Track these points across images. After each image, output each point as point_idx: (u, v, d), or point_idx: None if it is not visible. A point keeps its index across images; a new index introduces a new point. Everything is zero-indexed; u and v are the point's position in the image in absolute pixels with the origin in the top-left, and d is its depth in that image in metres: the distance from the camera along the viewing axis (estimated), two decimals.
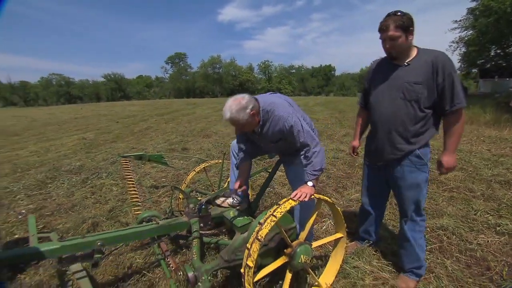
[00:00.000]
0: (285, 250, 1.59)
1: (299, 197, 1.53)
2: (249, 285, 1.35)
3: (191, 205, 2.13)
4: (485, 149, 5.13)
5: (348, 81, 73.65)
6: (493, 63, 19.48)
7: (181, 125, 10.40)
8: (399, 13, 1.55)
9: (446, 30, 22.09)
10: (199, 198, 2.25)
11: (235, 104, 1.66)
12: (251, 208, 2.23)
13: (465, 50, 20.59)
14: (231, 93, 65.31)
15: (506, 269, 1.92)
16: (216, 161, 2.78)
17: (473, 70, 22.86)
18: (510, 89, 16.04)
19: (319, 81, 72.95)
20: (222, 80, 66.66)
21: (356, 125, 2.18)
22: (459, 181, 3.52)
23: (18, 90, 65.78)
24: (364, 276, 1.84)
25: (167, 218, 2.12)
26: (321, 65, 76.68)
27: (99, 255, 1.67)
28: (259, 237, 1.36)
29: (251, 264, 1.34)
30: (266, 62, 72.93)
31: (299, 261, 1.54)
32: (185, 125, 10.50)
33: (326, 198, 1.63)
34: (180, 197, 2.50)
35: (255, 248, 1.35)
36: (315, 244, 1.70)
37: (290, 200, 1.50)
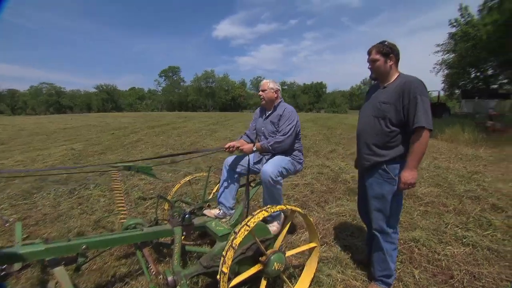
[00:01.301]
0: (260, 258, 1.70)
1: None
2: None
3: (175, 214, 2.23)
4: (462, 166, 5.41)
5: (338, 98, 75.29)
6: (473, 85, 20.55)
7: (172, 138, 10.46)
8: (384, 42, 1.88)
9: (430, 53, 23.24)
10: (183, 208, 2.35)
11: (271, 79, 2.54)
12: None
13: (447, 72, 21.77)
14: (223, 107, 66.45)
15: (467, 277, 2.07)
16: (201, 174, 2.90)
17: (456, 91, 23.94)
18: (490, 110, 16.83)
19: (311, 98, 74.32)
20: (215, 95, 67.31)
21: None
22: (434, 196, 3.72)
23: (5, 98, 64.63)
24: (336, 284, 1.96)
25: (151, 226, 2.20)
26: (312, 82, 78.15)
27: (82, 259, 1.73)
28: (234, 245, 1.48)
29: (225, 270, 1.45)
30: (259, 78, 74.23)
31: (273, 269, 1.65)
32: (176, 138, 10.57)
33: (298, 209, 1.77)
34: (166, 207, 2.59)
35: (229, 256, 1.46)
36: (289, 252, 1.82)
37: (263, 211, 1.63)
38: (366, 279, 2.07)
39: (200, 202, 2.49)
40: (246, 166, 2.47)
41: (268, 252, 1.70)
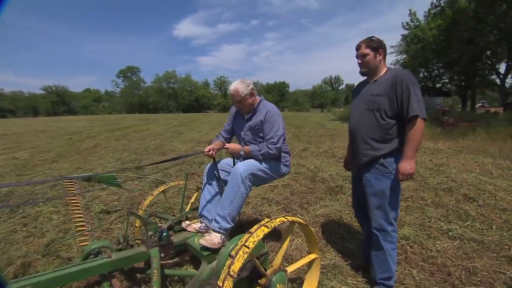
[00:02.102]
0: (259, 281, 1.45)
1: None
2: None
3: (150, 233, 1.88)
4: (427, 159, 5.70)
5: (301, 97, 77.66)
6: (423, 83, 22.44)
7: (134, 142, 9.69)
8: (372, 38, 1.85)
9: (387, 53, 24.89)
10: (159, 224, 2.00)
11: (240, 80, 2.11)
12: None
13: None
14: (186, 108, 64.34)
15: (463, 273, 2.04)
16: (177, 182, 2.55)
17: None
18: (437, 106, 18.45)
19: (274, 97, 75.30)
20: (177, 95, 65.06)
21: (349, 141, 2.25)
22: (412, 191, 3.79)
23: None
24: None
25: (121, 249, 1.83)
26: (275, 81, 79.67)
27: None
28: (232, 273, 1.21)
29: None
30: (222, 78, 73.33)
31: None
32: (138, 142, 9.81)
33: (300, 219, 1.55)
34: (137, 224, 2.21)
35: (228, 286, 1.19)
36: (290, 268, 1.59)
37: (263, 227, 1.37)
38: (368, 287, 1.92)
39: (178, 216, 2.15)
40: (229, 172, 2.19)
41: (268, 272, 1.45)
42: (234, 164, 2.11)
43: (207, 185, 2.17)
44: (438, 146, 7.10)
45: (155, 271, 1.61)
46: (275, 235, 2.56)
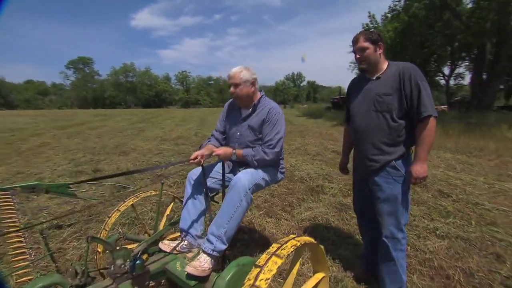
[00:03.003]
0: None
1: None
2: None
3: (119, 261, 1.48)
4: None
5: (264, 93, 78.23)
6: None
7: (90, 141, 8.70)
8: (369, 30, 1.71)
9: (346, 52, 26.04)
10: (129, 248, 1.61)
11: (244, 66, 1.85)
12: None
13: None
14: (146, 103, 60.83)
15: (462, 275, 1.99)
16: (150, 192, 2.12)
17: None
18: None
19: None
20: (136, 90, 61.22)
21: (343, 142, 2.09)
22: None
23: None
24: None
25: (78, 286, 1.42)
26: None
27: None
28: None
29: None
30: (184, 73, 70.65)
31: None
32: (95, 140, 8.84)
33: (312, 240, 1.30)
34: (99, 249, 1.77)
35: None
36: None
37: (274, 257, 1.08)
38: None
39: (153, 235, 1.76)
40: (217, 179, 1.87)
41: None
42: (223, 170, 1.78)
43: (191, 195, 1.82)
44: None
45: None
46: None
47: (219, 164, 1.90)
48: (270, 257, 1.08)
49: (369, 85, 1.70)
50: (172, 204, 2.19)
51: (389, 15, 20.56)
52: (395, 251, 1.66)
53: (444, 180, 4.13)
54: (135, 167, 5.30)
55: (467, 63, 21.08)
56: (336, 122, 12.73)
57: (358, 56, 1.68)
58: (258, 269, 1.03)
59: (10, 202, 2.35)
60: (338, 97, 22.20)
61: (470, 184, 4.02)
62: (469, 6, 14.99)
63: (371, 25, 20.67)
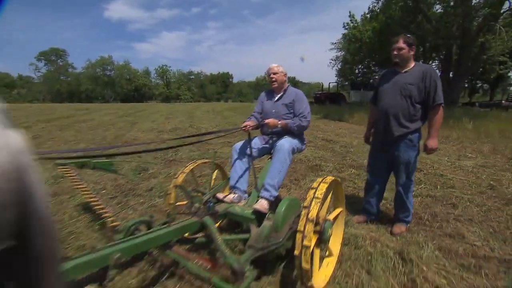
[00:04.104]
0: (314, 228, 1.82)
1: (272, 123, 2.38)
2: (307, 263, 1.52)
3: (196, 204, 2.07)
4: (361, 142, 6.71)
5: (245, 88, 77.47)
6: (359, 78, 25.42)
7: (85, 133, 8.85)
8: (407, 35, 2.35)
9: (326, 49, 27.07)
10: (201, 198, 2.19)
11: (278, 63, 2.56)
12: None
13: (340, 67, 26.17)
14: (125, 98, 58.92)
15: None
16: (203, 161, 2.72)
17: (346, 83, 28.91)
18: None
19: (218, 88, 73.72)
20: (115, 84, 59.22)
21: (369, 118, 2.77)
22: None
23: None
24: (366, 239, 2.32)
25: (165, 223, 1.97)
26: (219, 72, 78.09)
27: (114, 271, 1.46)
28: (311, 218, 1.56)
29: (308, 243, 1.52)
30: (164, 67, 69.08)
31: (328, 235, 1.81)
32: (90, 132, 8.99)
33: (338, 179, 1.97)
34: (170, 201, 2.34)
35: (309, 229, 1.54)
36: (330, 217, 2.00)
37: (322, 183, 1.75)
38: (387, 234, 2.49)
39: (214, 189, 2.37)
40: (257, 148, 2.49)
41: (320, 221, 1.84)
42: (269, 139, 2.44)
43: (237, 160, 2.43)
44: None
45: (216, 235, 1.81)
46: None
47: (256, 138, 2.53)
48: (320, 183, 1.74)
49: (399, 77, 2.37)
50: (216, 171, 2.79)
51: (368, 15, 21.89)
52: (406, 193, 2.44)
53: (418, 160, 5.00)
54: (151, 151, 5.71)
55: (437, 63, 22.94)
56: (320, 116, 13.55)
57: (395, 52, 2.32)
58: (314, 189, 1.68)
59: (71, 172, 2.84)
60: (320, 92, 23.26)
61: (437, 162, 4.92)
62: (439, 11, 16.41)
63: (351, 24, 21.86)
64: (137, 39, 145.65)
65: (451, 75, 16.27)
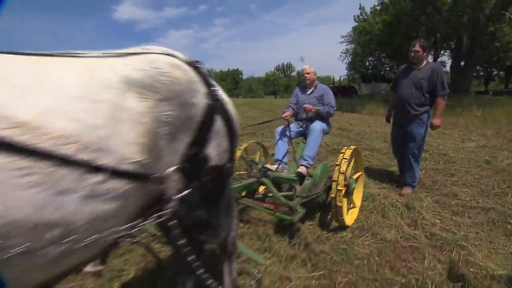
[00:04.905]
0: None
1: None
2: (340, 202, 2.31)
3: (254, 170, 2.88)
4: (373, 130, 7.47)
5: (254, 84, 77.36)
6: (370, 71, 25.58)
7: None
8: (422, 40, 3.13)
9: (336, 42, 27.28)
10: (256, 166, 2.99)
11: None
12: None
13: (351, 60, 26.36)
14: None
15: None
16: (252, 141, 3.56)
17: (356, 76, 29.06)
18: (382, 91, 21.31)
19: (228, 85, 73.34)
20: None
21: (390, 102, 3.58)
22: (379, 159, 5.30)
23: None
24: (380, 195, 3.11)
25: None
26: (229, 69, 78.24)
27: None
28: (342, 171, 2.35)
29: (341, 188, 2.31)
30: None
31: (353, 188, 2.59)
32: None
33: (357, 147, 2.73)
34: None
35: (341, 179, 2.33)
36: (354, 176, 2.76)
37: (347, 150, 2.53)
38: (395, 193, 3.28)
39: (265, 160, 3.20)
40: (294, 131, 3.27)
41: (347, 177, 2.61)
42: (303, 123, 3.25)
43: (279, 140, 3.21)
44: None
45: (273, 189, 2.61)
46: None
47: (292, 124, 3.31)
48: (346, 150, 2.51)
49: (414, 72, 3.13)
50: (260, 150, 3.59)
51: (378, 8, 22.02)
52: (415, 162, 3.19)
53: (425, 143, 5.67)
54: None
55: (448, 53, 22.89)
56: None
57: (412, 54, 3.08)
58: (343, 154, 2.45)
59: None
60: (331, 85, 23.57)
61: (442, 144, 5.57)
62: (449, 0, 16.55)
63: (361, 17, 22.09)
64: (145, 39, 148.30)
65: (462, 64, 16.43)
